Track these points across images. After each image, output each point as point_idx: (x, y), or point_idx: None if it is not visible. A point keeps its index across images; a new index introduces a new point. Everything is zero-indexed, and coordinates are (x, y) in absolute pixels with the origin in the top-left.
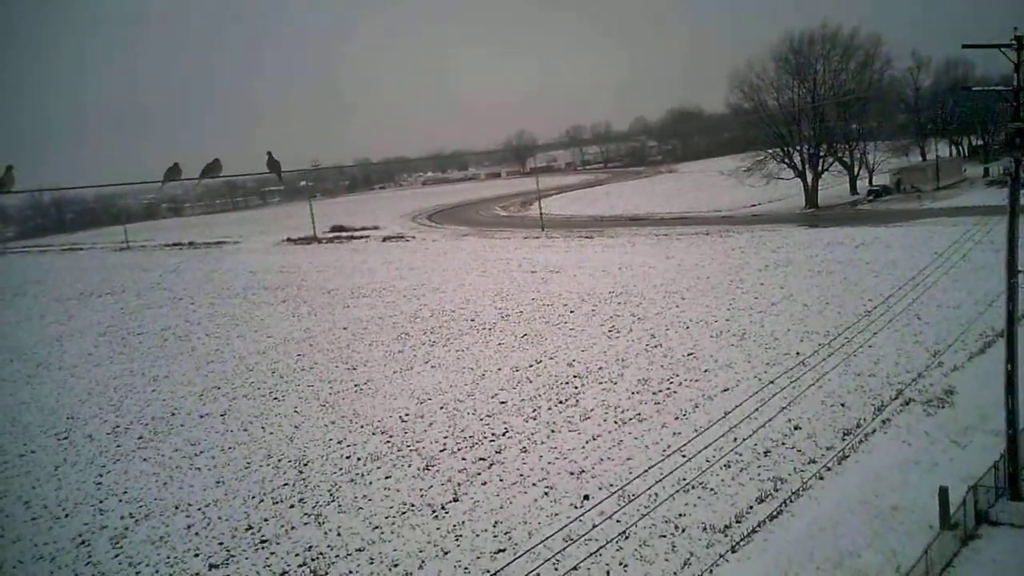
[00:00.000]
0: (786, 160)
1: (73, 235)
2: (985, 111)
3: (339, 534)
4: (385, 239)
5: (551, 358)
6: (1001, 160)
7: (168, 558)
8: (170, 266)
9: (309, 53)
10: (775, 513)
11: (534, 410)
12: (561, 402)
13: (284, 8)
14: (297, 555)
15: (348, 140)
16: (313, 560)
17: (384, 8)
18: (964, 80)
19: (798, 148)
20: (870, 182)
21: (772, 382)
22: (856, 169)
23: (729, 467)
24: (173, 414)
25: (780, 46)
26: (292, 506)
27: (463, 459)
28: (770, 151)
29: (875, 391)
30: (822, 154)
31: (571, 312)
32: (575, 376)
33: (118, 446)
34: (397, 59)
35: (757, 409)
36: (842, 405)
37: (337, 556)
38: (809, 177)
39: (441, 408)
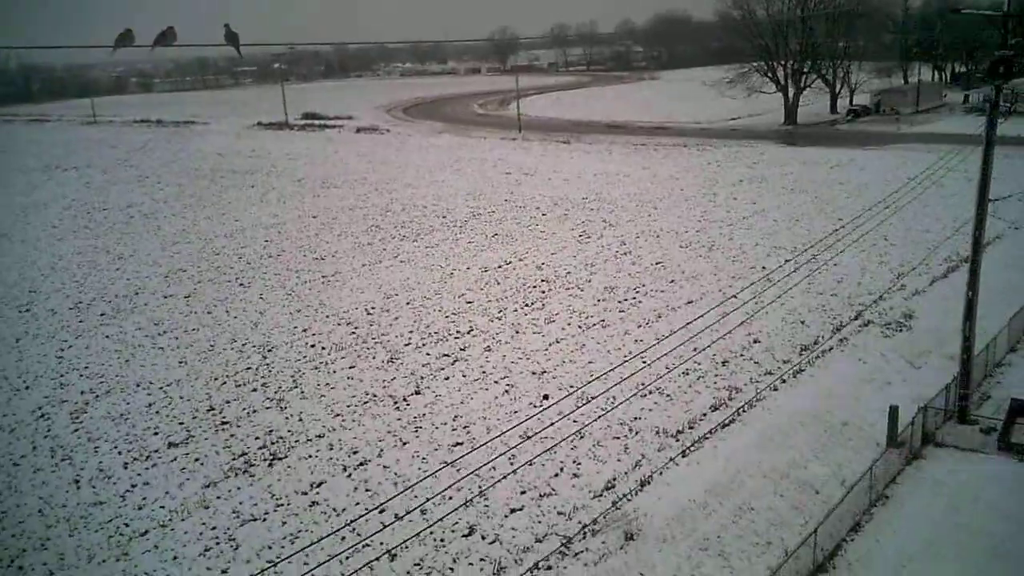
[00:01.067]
0: (769, 74)
1: (40, 106)
2: (972, 38)
3: (300, 419)
4: (359, 130)
5: (520, 260)
6: (981, 88)
7: (127, 435)
8: (137, 143)
9: None
10: (727, 421)
11: (500, 311)
12: (527, 304)
13: None
14: (257, 438)
15: (326, 22)
16: (273, 443)
17: None
18: (955, 3)
19: (783, 62)
20: (851, 101)
21: (736, 295)
22: (838, 87)
23: (687, 375)
24: (137, 293)
25: None
26: (255, 390)
27: (427, 354)
28: (754, 64)
29: (835, 310)
30: (806, 70)
31: (543, 215)
32: (543, 280)
33: (80, 322)
34: None
35: (719, 321)
36: (802, 322)
37: (297, 441)
38: (791, 93)
39: (407, 303)
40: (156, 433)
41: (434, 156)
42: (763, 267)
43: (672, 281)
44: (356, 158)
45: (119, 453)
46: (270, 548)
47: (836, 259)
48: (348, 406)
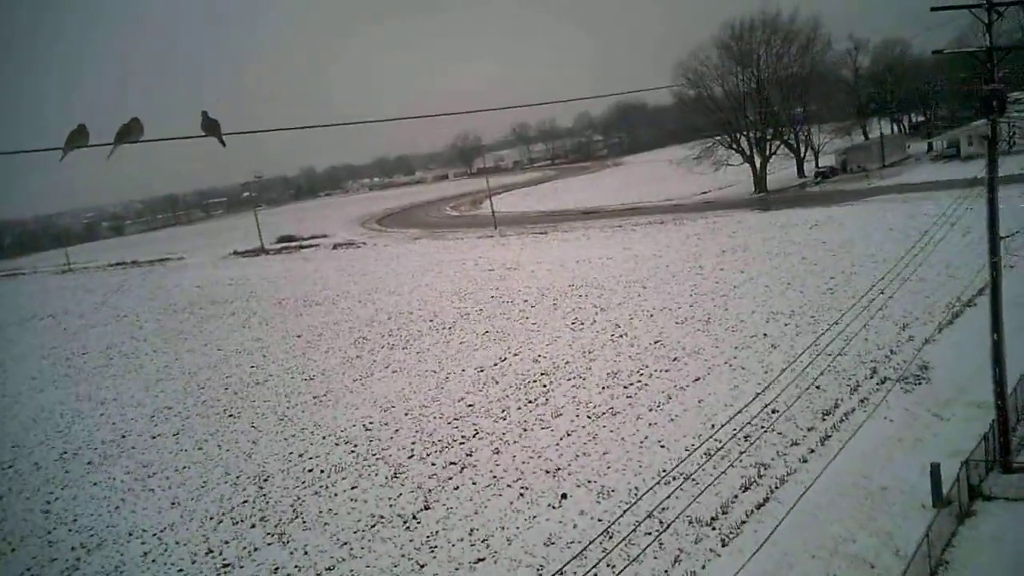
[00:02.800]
0: (734, 146)
1: (13, 261)
2: (926, 88)
3: (306, 552)
4: (335, 246)
5: (516, 355)
6: (944, 135)
7: None
8: (113, 285)
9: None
10: (762, 501)
11: (503, 410)
12: (530, 401)
13: (222, 21)
14: None
15: (291, 149)
16: None
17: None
18: (901, 59)
19: (745, 133)
20: (816, 164)
21: (743, 367)
22: (802, 151)
23: (709, 455)
24: (123, 436)
25: (722, 34)
26: (253, 526)
27: (432, 464)
28: (718, 138)
29: (849, 370)
30: (768, 138)
31: (532, 307)
32: (542, 373)
33: (67, 472)
34: (338, 70)
35: (732, 395)
36: (817, 387)
37: None
38: (757, 162)
39: (406, 414)
40: None
41: (414, 261)
42: (764, 334)
43: (675, 359)
44: (336, 273)
45: None
46: None
47: (837, 318)
48: (355, 532)
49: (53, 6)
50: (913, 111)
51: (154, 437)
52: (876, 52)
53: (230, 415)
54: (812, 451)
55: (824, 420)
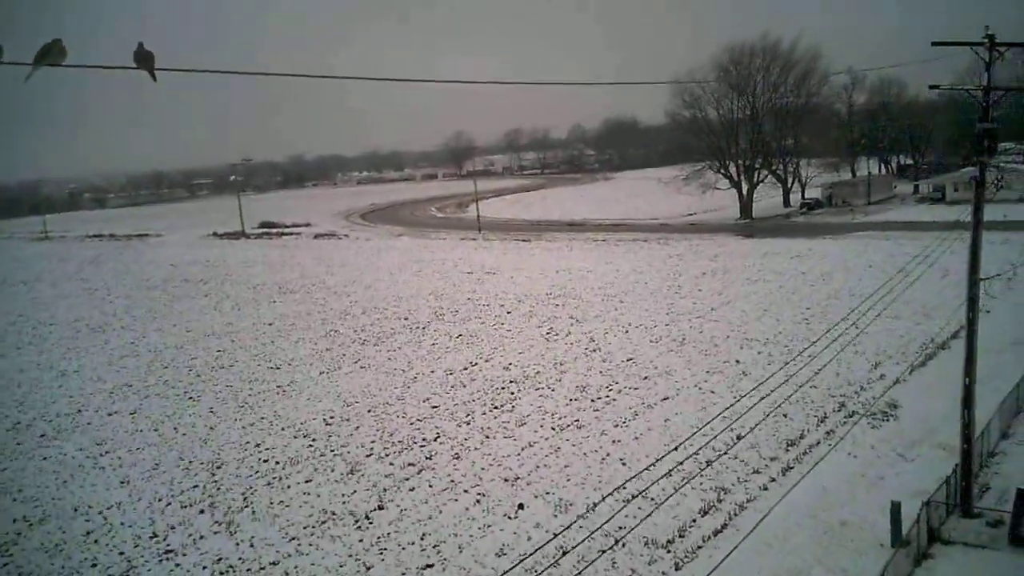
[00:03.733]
0: (722, 170)
1: None
2: (918, 129)
3: (252, 545)
4: (317, 236)
5: (487, 361)
6: (931, 179)
7: (63, 568)
8: (88, 257)
9: (241, 46)
10: (720, 527)
11: (468, 415)
12: (496, 407)
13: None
14: (205, 567)
15: (282, 136)
16: (222, 574)
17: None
18: (897, 99)
19: (735, 160)
20: (802, 195)
21: (713, 391)
22: (790, 182)
23: (670, 476)
24: (80, 411)
25: (721, 57)
26: (202, 511)
27: (391, 464)
28: (707, 162)
29: (817, 402)
30: (758, 166)
31: (508, 313)
32: (511, 381)
33: (18, 444)
34: (337, 58)
35: (698, 418)
36: (784, 416)
37: (249, 570)
38: (744, 188)
39: (369, 411)
40: (94, 565)
41: (394, 258)
42: (737, 360)
43: (646, 378)
44: (314, 263)
45: None
46: None
47: (809, 350)
48: (305, 527)
49: None
50: (902, 153)
51: (111, 414)
52: (873, 89)
53: (190, 398)
54: (773, 480)
55: (788, 451)
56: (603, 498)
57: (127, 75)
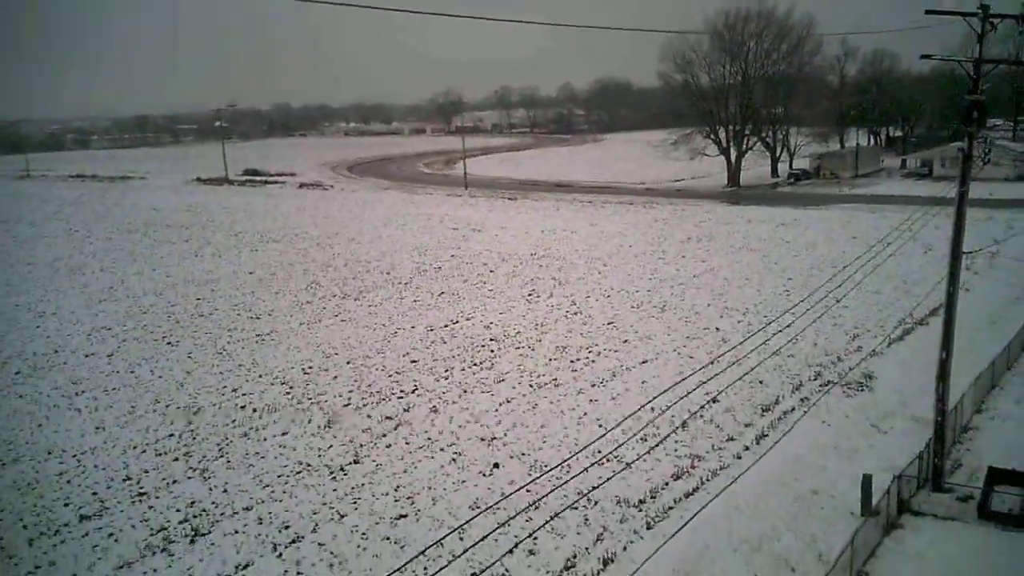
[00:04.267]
0: (712, 136)
1: None
2: (907, 101)
3: (226, 491)
4: (301, 186)
5: (468, 319)
6: (918, 153)
7: (35, 506)
8: (70, 198)
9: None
10: (691, 490)
11: (447, 370)
12: (475, 364)
13: None
14: (178, 511)
15: (269, 81)
16: (195, 517)
17: None
18: (889, 71)
19: (724, 125)
20: (791, 165)
21: (692, 356)
22: (778, 151)
23: (645, 440)
24: (56, 351)
25: (715, 20)
26: (176, 459)
27: (368, 416)
28: (697, 127)
29: (793, 371)
30: (747, 133)
31: (491, 272)
32: (491, 339)
33: None
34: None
35: (677, 382)
36: (760, 382)
37: (222, 514)
38: (733, 155)
39: (348, 363)
40: (67, 504)
41: (379, 212)
42: (717, 328)
43: (625, 341)
44: (297, 212)
45: (24, 527)
46: None
47: (789, 320)
48: (279, 476)
49: None
50: (892, 125)
51: (87, 355)
52: (865, 60)
53: (168, 343)
54: (747, 448)
55: (763, 416)
56: (575, 455)
57: (115, 16)
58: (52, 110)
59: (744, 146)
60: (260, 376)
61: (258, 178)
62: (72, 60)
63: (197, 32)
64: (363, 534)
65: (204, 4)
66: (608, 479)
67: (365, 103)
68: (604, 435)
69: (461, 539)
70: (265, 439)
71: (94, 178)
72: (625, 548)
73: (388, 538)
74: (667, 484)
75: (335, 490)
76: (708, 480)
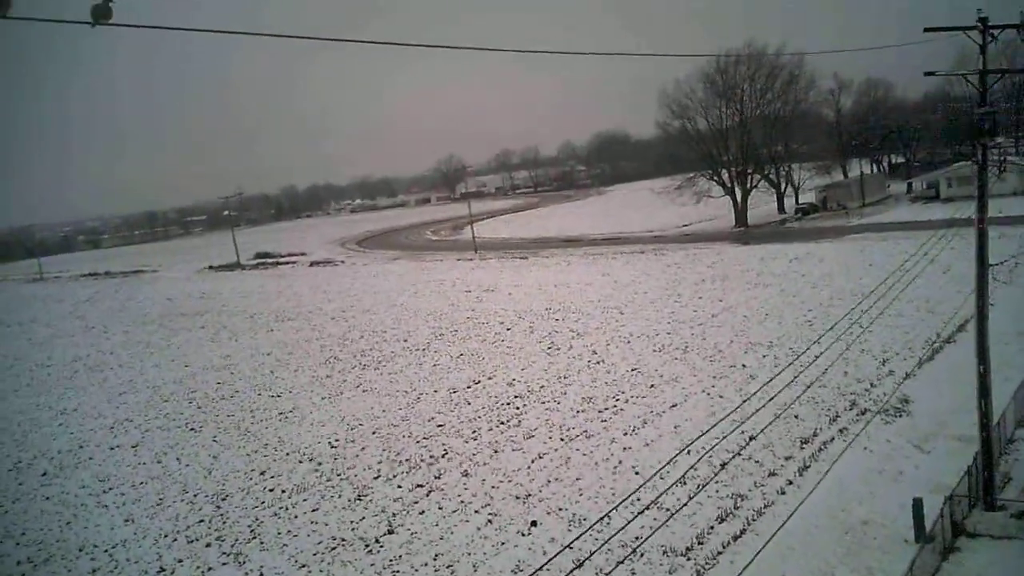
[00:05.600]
0: (715, 178)
1: None
2: (907, 128)
3: (262, 574)
4: (312, 264)
5: (489, 378)
6: (924, 176)
7: None
8: (84, 296)
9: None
10: (738, 533)
11: (474, 431)
12: (503, 423)
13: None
14: None
15: (271, 168)
16: None
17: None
18: (884, 99)
19: (726, 167)
20: (796, 200)
21: (721, 396)
22: (783, 187)
23: (684, 484)
24: (81, 447)
25: (707, 67)
26: (209, 545)
27: (399, 487)
28: (699, 171)
29: (828, 401)
30: (750, 171)
31: (508, 330)
32: (516, 396)
33: (20, 484)
34: (321, 87)
35: (710, 424)
36: (796, 416)
37: None
38: (738, 195)
39: (374, 433)
40: None
41: (391, 282)
42: (743, 364)
43: (652, 386)
44: (311, 290)
45: None
46: None
47: (814, 350)
48: (314, 554)
49: None
50: (894, 152)
51: (112, 449)
52: (860, 91)
53: (191, 428)
54: (790, 483)
55: (803, 449)
56: (615, 507)
57: (109, 111)
58: (63, 214)
59: (748, 185)
60: (287, 455)
61: (269, 260)
62: (83, 160)
63: (200, 122)
64: None
65: (203, 89)
66: (654, 530)
67: (369, 179)
68: (643, 484)
69: None
70: (296, 517)
71: (107, 275)
72: None
73: None
74: (712, 528)
75: (372, 564)
76: (754, 520)
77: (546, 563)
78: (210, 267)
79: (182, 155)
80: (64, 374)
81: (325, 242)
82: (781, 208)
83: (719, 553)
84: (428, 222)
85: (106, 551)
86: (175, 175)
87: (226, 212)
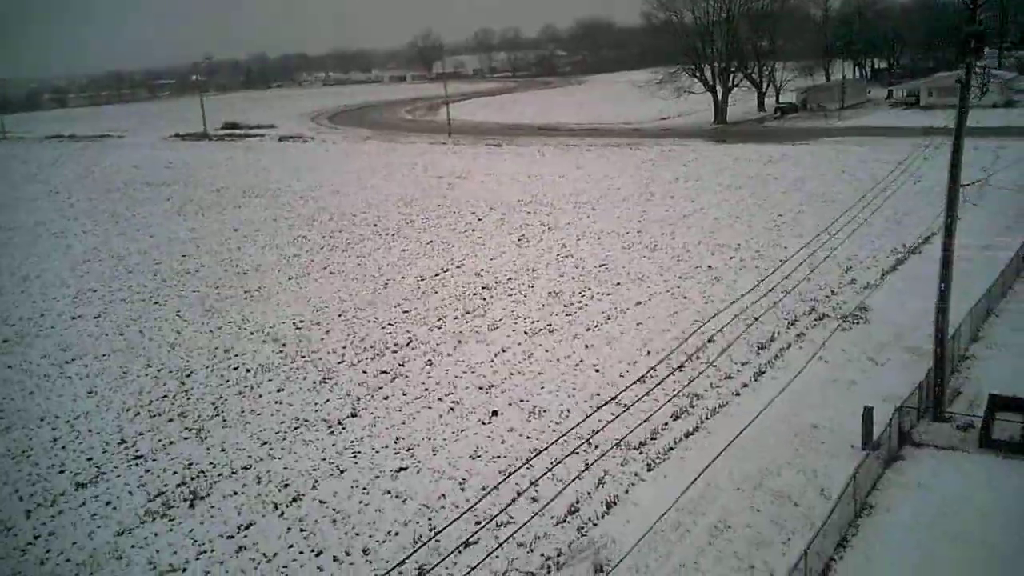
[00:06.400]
0: (697, 74)
1: None
2: (892, 34)
3: (223, 450)
4: (282, 139)
5: (458, 267)
6: (904, 83)
7: (29, 475)
8: (48, 159)
9: None
10: (691, 430)
11: (440, 319)
12: (468, 312)
13: None
14: (175, 473)
15: (244, 33)
16: (193, 479)
17: None
18: (873, 3)
19: (710, 63)
20: (777, 100)
21: (685, 296)
22: (764, 86)
23: (643, 382)
24: (42, 315)
25: None
26: (171, 420)
27: (363, 371)
28: (682, 65)
29: (788, 306)
30: (732, 69)
31: (479, 220)
32: (483, 287)
33: None
34: None
35: (670, 321)
36: (756, 318)
37: (220, 475)
38: (719, 92)
39: (340, 316)
40: (62, 471)
41: (362, 162)
42: (709, 265)
43: (618, 284)
44: (279, 166)
45: (20, 499)
46: None
47: (781, 255)
48: (277, 433)
49: None
50: (877, 57)
51: (75, 318)
52: None
53: (155, 302)
54: (745, 386)
55: (759, 354)
56: (574, 401)
57: None
58: (29, 70)
59: (730, 83)
60: (251, 333)
61: (238, 132)
62: (50, 18)
63: None
64: (364, 489)
65: None
66: (607, 423)
67: (344, 51)
68: (603, 382)
69: (462, 488)
70: (260, 396)
71: (72, 137)
72: (627, 491)
73: (389, 492)
74: (666, 424)
75: (334, 444)
76: (708, 419)
77: (506, 458)
78: (177, 135)
79: (154, 15)
80: (27, 239)
81: (295, 115)
82: (761, 107)
83: (670, 448)
84: (402, 100)
85: (67, 422)
86: (144, 34)
87: (194, 77)
